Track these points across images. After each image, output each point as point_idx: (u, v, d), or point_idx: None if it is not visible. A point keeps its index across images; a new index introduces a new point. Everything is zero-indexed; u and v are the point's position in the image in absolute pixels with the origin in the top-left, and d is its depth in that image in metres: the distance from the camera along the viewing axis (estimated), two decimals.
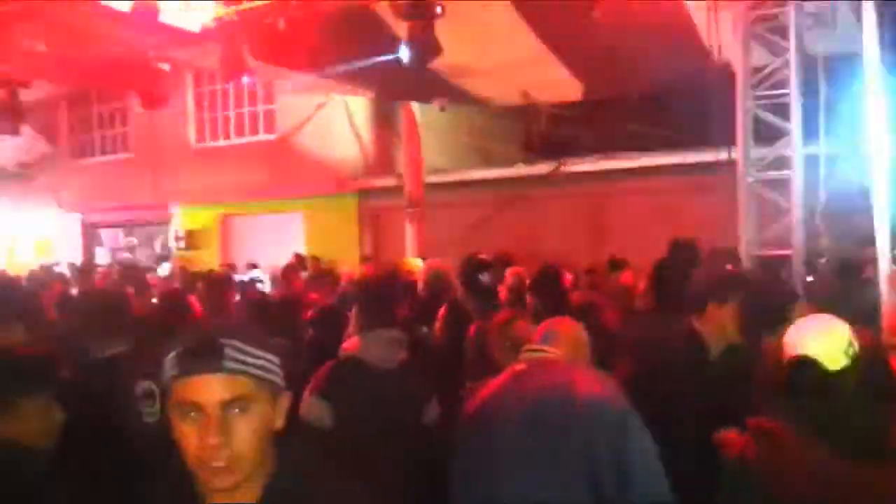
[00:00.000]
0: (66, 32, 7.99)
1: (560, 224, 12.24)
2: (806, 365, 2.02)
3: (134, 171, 15.39)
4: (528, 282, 4.65)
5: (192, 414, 1.34)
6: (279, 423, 1.44)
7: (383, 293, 3.17)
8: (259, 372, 1.38)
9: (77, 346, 3.09)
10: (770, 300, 2.87)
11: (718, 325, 2.85)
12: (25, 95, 11.30)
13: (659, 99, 10.39)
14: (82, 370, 2.90)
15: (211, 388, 1.34)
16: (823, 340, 2.04)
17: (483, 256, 5.36)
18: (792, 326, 2.14)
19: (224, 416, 1.34)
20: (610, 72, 9.79)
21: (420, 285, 4.86)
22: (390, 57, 6.88)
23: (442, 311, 4.24)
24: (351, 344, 3.05)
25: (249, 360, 1.37)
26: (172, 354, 1.37)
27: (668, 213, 11.11)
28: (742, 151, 6.49)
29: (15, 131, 9.25)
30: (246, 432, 1.35)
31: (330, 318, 4.11)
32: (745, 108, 6.43)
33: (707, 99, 8.75)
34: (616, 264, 8.69)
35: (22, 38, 8.33)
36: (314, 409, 2.84)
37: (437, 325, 4.25)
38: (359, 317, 3.05)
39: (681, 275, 3.51)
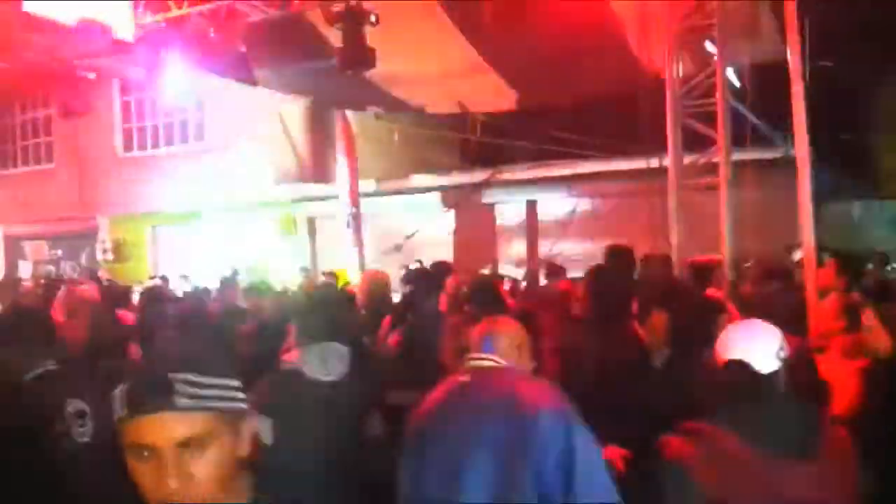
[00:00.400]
0: None
1: (496, 231, 12.39)
2: (738, 368, 2.08)
3: (58, 181, 14.88)
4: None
5: (146, 454, 1.23)
6: (244, 450, 1.32)
7: (323, 305, 3.12)
8: (217, 403, 1.27)
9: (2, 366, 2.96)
10: (700, 311, 2.95)
11: (658, 333, 2.92)
12: None
13: (591, 108, 10.57)
14: (11, 390, 2.78)
15: (164, 429, 1.22)
16: (755, 344, 2.10)
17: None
18: (725, 331, 2.20)
19: (181, 456, 1.23)
20: (543, 81, 9.92)
21: (359, 295, 4.80)
22: (324, 64, 6.83)
23: (386, 320, 4.21)
24: (290, 356, 3.00)
25: (204, 392, 1.26)
26: (119, 391, 1.26)
27: (600, 220, 11.38)
28: (673, 159, 6.67)
29: None
30: (207, 471, 1.25)
31: (269, 331, 4.04)
32: (675, 116, 6.61)
33: (638, 107, 8.98)
34: (553, 271, 8.84)
35: None
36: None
37: (382, 333, 4.23)
38: (298, 329, 2.99)
39: (618, 282, 3.58)
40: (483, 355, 2.41)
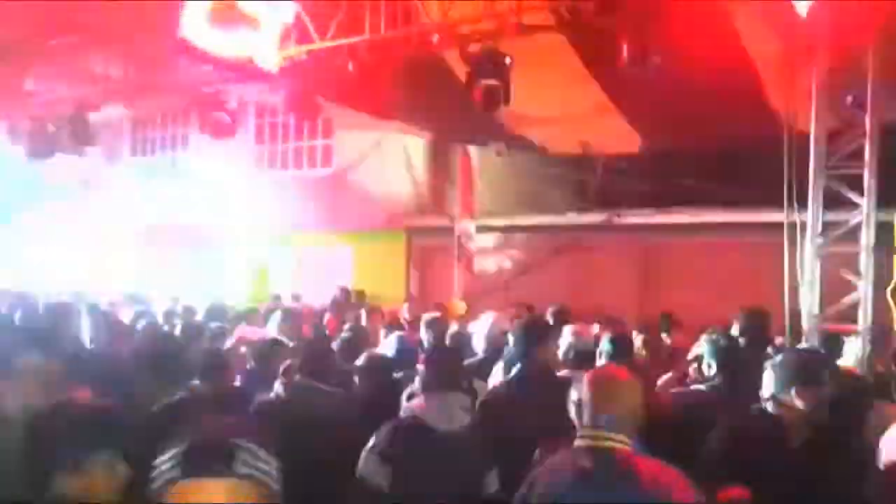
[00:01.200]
0: (141, 62, 8.28)
1: (611, 275, 12.12)
2: None
3: (192, 194, 15.69)
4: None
5: None
6: None
7: (450, 355, 3.13)
8: (266, 479, 1.30)
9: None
10: (853, 393, 2.75)
11: (798, 411, 2.74)
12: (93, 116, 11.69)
13: (720, 156, 10.26)
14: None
15: (218, 494, 1.24)
16: None
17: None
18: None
19: None
20: (671, 127, 9.74)
21: (478, 338, 4.78)
22: (457, 102, 6.92)
23: (498, 367, 4.15)
24: (414, 404, 3.01)
25: (260, 465, 1.29)
26: (174, 453, 1.28)
27: (721, 273, 10.94)
28: (812, 217, 6.32)
29: (81, 151, 9.51)
30: None
31: (380, 371, 4.02)
32: (817, 174, 6.28)
33: (772, 160, 8.62)
34: (668, 323, 8.57)
35: (97, 64, 8.66)
36: (371, 467, 2.80)
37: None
38: (424, 375, 2.99)
39: (752, 353, 3.40)
40: (604, 434, 2.32)
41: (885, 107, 5.98)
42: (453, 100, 7.61)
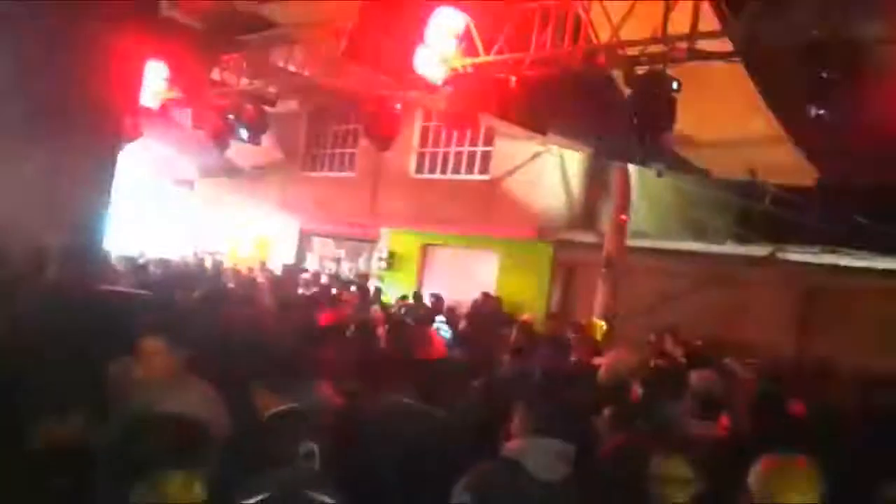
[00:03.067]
0: (316, 61, 8.74)
1: (766, 313, 11.45)
2: None
3: (354, 189, 16.41)
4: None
5: None
6: None
7: (557, 393, 2.98)
8: None
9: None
10: None
11: None
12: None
13: None
14: (253, 427, 3.01)
15: None
16: None
17: None
18: None
19: None
20: (849, 163, 9.10)
21: (602, 372, 4.63)
22: (618, 121, 6.80)
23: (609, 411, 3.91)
24: (513, 445, 2.86)
25: None
26: (259, 500, 1.28)
27: (887, 323, 10.06)
28: None
29: (256, 141, 10.13)
30: None
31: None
32: None
33: None
34: (822, 373, 7.99)
35: (278, 60, 9.23)
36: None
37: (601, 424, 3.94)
38: (524, 414, 2.86)
39: None
40: None
41: None
42: (616, 119, 7.48)
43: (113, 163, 4.94)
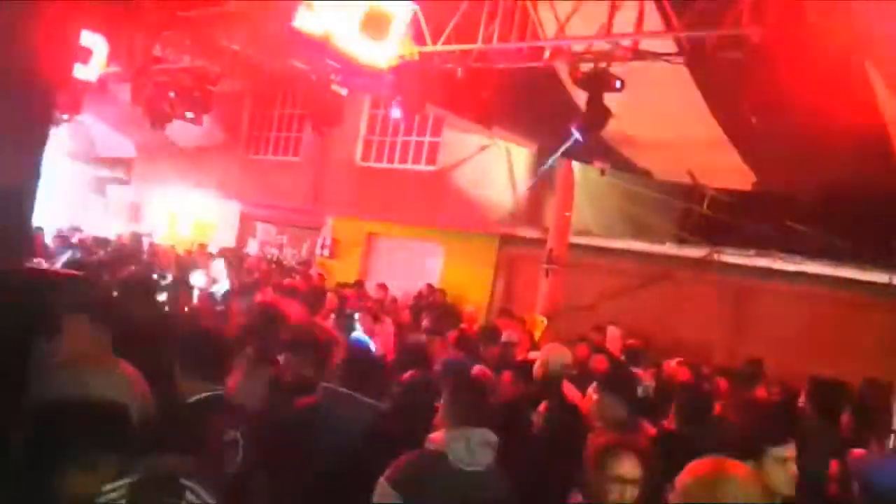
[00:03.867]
0: (262, 41, 8.56)
1: (701, 312, 11.71)
2: None
3: (298, 174, 16.18)
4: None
5: None
6: None
7: (479, 387, 2.98)
8: None
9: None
10: None
11: None
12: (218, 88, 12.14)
13: (834, 207, 9.75)
14: (173, 412, 2.95)
15: None
16: None
17: None
18: None
19: None
20: (787, 167, 9.34)
21: (538, 366, 4.66)
22: (561, 118, 6.85)
23: (543, 406, 3.94)
24: (437, 437, 2.85)
25: None
26: (124, 483, 1.30)
27: (818, 327, 10.39)
28: None
29: (199, 121, 9.89)
30: None
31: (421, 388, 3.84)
32: None
33: (884, 218, 8.13)
34: (751, 376, 8.21)
35: (220, 38, 9.01)
36: (386, 498, 2.69)
37: (537, 420, 3.99)
38: (448, 406, 2.84)
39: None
40: None
41: None
42: (560, 114, 7.52)
43: (42, 138, 4.72)
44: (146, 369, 3.42)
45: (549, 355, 4.73)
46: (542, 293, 11.60)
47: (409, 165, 14.75)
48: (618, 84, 6.12)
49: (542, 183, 12.92)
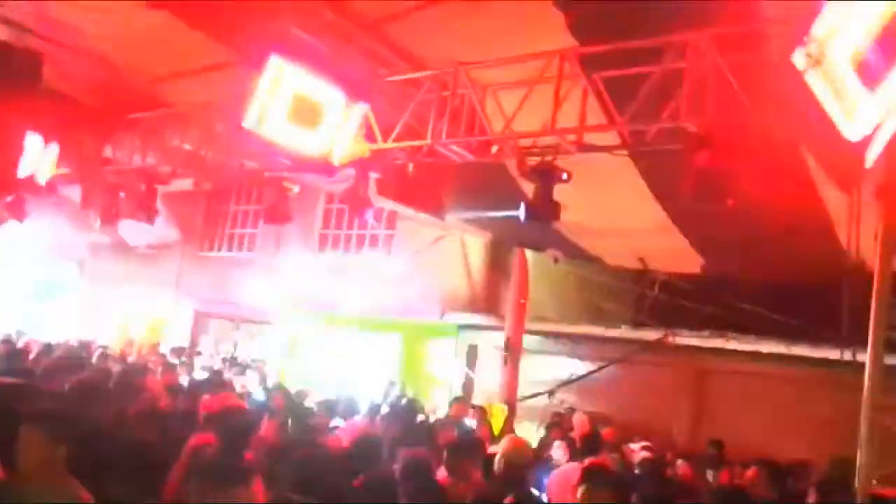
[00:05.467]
0: (213, 141, 8.63)
1: (661, 394, 11.73)
2: None
3: (253, 269, 16.05)
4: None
5: None
6: None
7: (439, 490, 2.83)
8: None
9: None
10: None
11: None
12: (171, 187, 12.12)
13: (782, 287, 9.99)
14: None
15: None
16: None
17: None
18: None
19: None
20: (735, 253, 9.58)
21: (497, 461, 4.54)
22: (511, 213, 6.96)
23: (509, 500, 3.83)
24: None
25: None
26: None
27: (776, 404, 10.48)
28: (872, 365, 5.96)
29: (150, 220, 9.81)
30: None
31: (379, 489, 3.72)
32: (877, 318, 5.96)
33: (832, 295, 8.31)
34: (718, 454, 8.19)
35: (172, 138, 9.07)
36: None
37: None
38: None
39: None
40: None
41: None
42: (510, 206, 7.65)
43: None
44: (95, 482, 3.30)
45: (511, 450, 4.64)
46: (502, 380, 11.53)
47: (366, 255, 14.78)
48: (564, 176, 6.26)
49: (498, 271, 13.03)
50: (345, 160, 6.74)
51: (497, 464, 4.50)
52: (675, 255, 10.19)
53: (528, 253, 11.90)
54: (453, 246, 13.24)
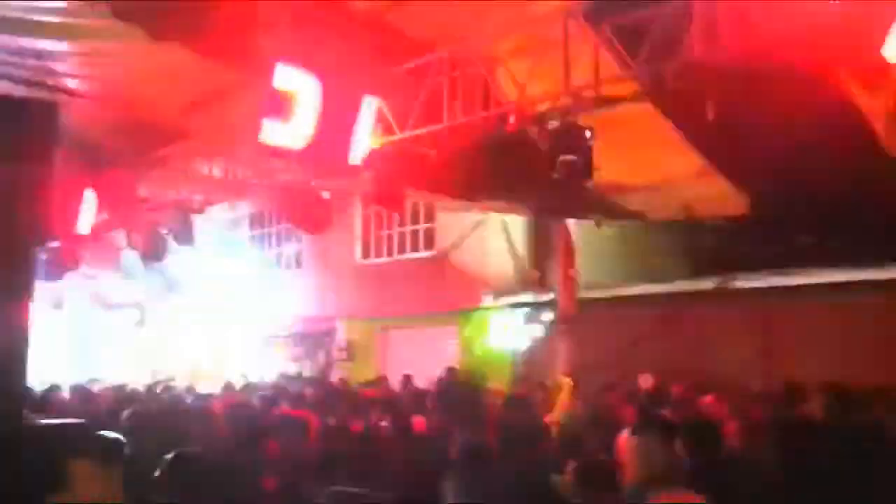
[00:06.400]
0: (239, 163, 8.73)
1: (727, 344, 11.45)
2: None
3: (304, 284, 16.24)
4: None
5: None
6: None
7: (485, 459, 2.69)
8: None
9: None
10: None
11: None
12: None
13: (834, 210, 9.63)
14: None
15: None
16: None
17: None
18: None
19: None
20: (777, 183, 9.28)
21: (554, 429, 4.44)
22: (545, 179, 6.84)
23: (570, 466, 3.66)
24: None
25: None
26: None
27: (847, 336, 10.12)
28: None
29: (190, 248, 9.95)
30: None
31: None
32: None
33: (887, 209, 8.00)
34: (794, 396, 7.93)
35: (201, 167, 9.19)
36: None
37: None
38: (450, 486, 2.56)
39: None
40: None
41: None
42: (541, 174, 7.55)
43: (28, 294, 4.79)
44: None
45: (565, 414, 4.55)
46: (563, 354, 11.41)
47: (408, 255, 14.80)
48: (587, 134, 6.14)
49: (544, 245, 12.90)
50: (365, 157, 6.74)
51: (553, 432, 4.42)
52: (720, 198, 9.92)
53: (572, 223, 11.74)
54: (495, 227, 13.17)
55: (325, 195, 8.11)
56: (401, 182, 7.00)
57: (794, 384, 8.65)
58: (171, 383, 12.13)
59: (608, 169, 8.75)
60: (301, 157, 6.08)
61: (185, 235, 9.03)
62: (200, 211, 9.15)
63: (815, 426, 4.42)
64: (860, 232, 9.50)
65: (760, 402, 7.99)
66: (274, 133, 6.00)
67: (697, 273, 11.57)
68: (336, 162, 6.39)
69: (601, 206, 10.39)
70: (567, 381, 10.74)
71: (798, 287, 10.60)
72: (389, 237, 15.20)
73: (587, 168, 6.06)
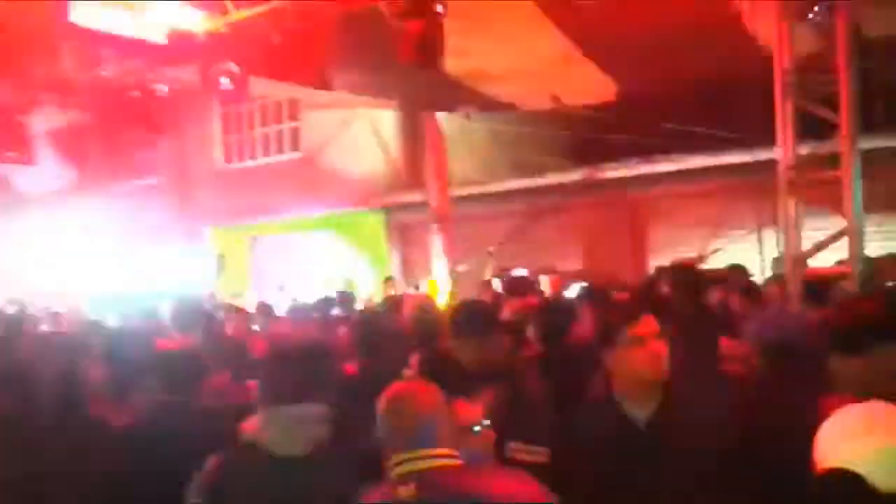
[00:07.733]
0: (65, 58, 7.71)
1: (598, 234, 11.56)
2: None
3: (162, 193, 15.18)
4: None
5: None
6: None
7: (301, 353, 2.38)
8: None
9: None
10: None
11: None
12: (51, 122, 11.16)
13: (701, 95, 9.62)
14: None
15: None
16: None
17: None
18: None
19: None
20: (644, 69, 9.17)
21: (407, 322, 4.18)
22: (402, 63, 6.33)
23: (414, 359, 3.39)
24: (249, 425, 2.30)
25: None
26: None
27: (713, 219, 10.37)
28: (784, 149, 5.73)
29: (28, 160, 8.98)
30: None
31: None
32: (786, 99, 5.67)
33: (753, 93, 8.00)
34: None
35: (29, 67, 8.10)
36: None
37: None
38: (261, 387, 2.27)
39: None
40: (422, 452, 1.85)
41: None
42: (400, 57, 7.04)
43: None
44: None
45: (415, 308, 4.27)
46: (438, 255, 11.19)
47: (274, 157, 14.01)
48: (439, 8, 5.65)
49: (415, 142, 12.45)
50: (201, 40, 6.01)
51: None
52: (588, 85, 9.78)
53: (440, 116, 11.30)
54: (364, 126, 12.59)
55: (162, 89, 7.27)
56: (242, 68, 6.30)
57: (659, 269, 8.82)
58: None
59: (475, 56, 8.37)
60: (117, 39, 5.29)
61: (19, 143, 7.99)
62: (27, 112, 8.09)
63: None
64: (726, 116, 9.56)
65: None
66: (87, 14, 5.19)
67: (566, 165, 11.49)
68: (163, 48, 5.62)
69: (470, 97, 10.03)
70: (433, 283, 10.62)
71: (667, 174, 10.68)
72: (252, 139, 14.29)
73: (439, 46, 5.61)
